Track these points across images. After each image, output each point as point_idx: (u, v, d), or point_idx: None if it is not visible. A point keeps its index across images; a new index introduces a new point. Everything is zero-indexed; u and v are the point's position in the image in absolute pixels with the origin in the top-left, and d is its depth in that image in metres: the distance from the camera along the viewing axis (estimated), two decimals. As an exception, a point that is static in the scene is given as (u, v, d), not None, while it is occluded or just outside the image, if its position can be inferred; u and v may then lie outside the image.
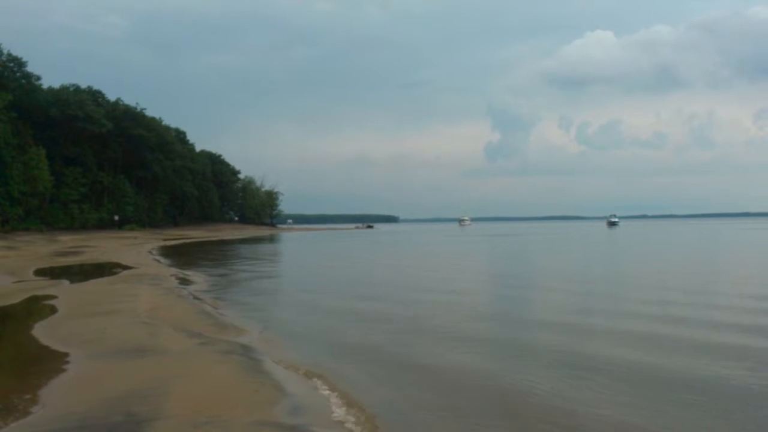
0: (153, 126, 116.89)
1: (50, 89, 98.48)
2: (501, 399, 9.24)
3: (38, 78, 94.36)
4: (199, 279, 28.98)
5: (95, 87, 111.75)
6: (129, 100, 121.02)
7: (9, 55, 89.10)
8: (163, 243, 75.36)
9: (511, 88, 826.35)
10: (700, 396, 9.16)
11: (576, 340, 13.26)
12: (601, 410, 8.54)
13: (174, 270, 34.03)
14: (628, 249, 58.36)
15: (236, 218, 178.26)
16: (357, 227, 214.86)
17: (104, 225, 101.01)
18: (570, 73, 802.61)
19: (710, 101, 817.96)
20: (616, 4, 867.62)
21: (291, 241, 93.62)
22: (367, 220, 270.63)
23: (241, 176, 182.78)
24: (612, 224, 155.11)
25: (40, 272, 32.05)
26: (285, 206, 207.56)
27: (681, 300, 19.51)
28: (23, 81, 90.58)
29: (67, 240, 71.33)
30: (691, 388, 9.52)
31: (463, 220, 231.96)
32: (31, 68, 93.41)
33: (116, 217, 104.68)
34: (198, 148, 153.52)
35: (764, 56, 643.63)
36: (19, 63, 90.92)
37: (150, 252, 54.32)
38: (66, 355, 11.86)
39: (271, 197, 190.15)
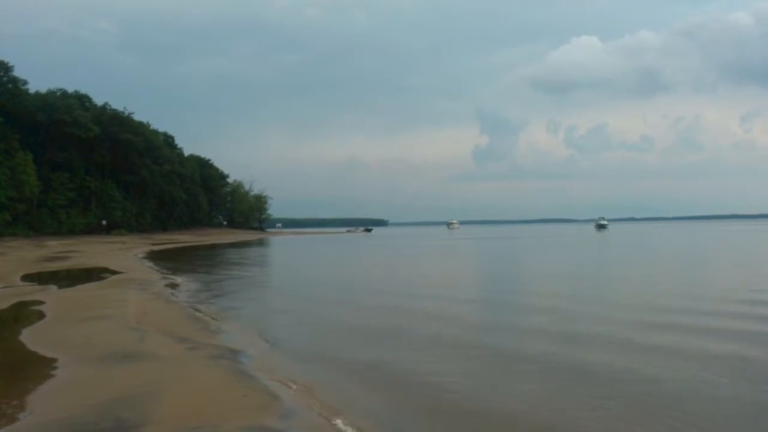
0: (141, 130, 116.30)
1: (37, 94, 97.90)
2: (492, 412, 9.26)
3: (25, 82, 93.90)
4: (187, 284, 28.88)
5: (83, 91, 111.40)
6: (117, 104, 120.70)
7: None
8: (151, 248, 75.01)
9: (498, 93, 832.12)
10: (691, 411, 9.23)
11: (565, 350, 13.20)
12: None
13: (162, 275, 33.91)
14: (616, 252, 58.72)
15: (225, 222, 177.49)
16: (349, 231, 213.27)
17: (92, 230, 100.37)
18: (557, 77, 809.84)
19: (696, 105, 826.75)
20: (600, 10, 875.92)
21: (280, 245, 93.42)
22: (357, 224, 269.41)
23: (230, 180, 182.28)
24: (601, 227, 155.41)
25: (28, 278, 31.86)
26: (274, 210, 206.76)
27: (670, 305, 19.61)
28: (10, 85, 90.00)
29: (54, 245, 70.81)
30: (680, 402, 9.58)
31: (451, 224, 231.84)
32: (18, 73, 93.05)
33: (104, 222, 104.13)
34: (186, 153, 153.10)
35: (746, 61, 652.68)
36: (6, 67, 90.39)
37: (138, 257, 54.10)
38: (54, 360, 11.81)
39: (260, 201, 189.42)
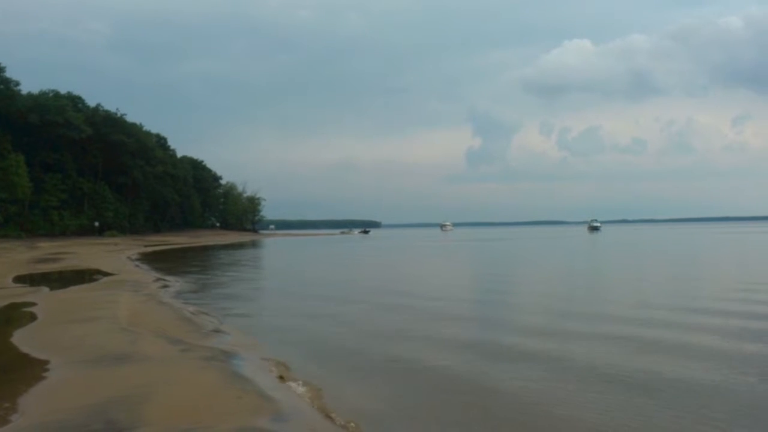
0: (133, 131, 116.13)
1: (29, 95, 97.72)
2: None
3: (17, 83, 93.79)
4: (180, 285, 28.80)
5: (75, 92, 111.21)
6: (109, 105, 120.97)
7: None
8: (144, 249, 74.81)
9: (491, 95, 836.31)
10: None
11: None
12: None
13: (155, 276, 33.80)
14: (610, 254, 58.87)
15: (218, 224, 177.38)
16: (343, 232, 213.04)
17: (84, 231, 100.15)
18: (550, 80, 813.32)
19: (688, 108, 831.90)
20: (592, 13, 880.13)
21: (274, 246, 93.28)
22: (350, 226, 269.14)
23: (223, 182, 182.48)
24: (593, 229, 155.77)
25: (20, 279, 31.69)
26: (267, 212, 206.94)
27: (663, 319, 19.50)
28: (2, 86, 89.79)
29: (46, 246, 70.56)
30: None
31: (444, 226, 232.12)
32: (10, 74, 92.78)
33: (96, 224, 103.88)
34: (179, 154, 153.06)
35: (737, 64, 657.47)
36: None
37: (131, 258, 53.91)
38: (46, 362, 11.73)
39: (253, 203, 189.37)
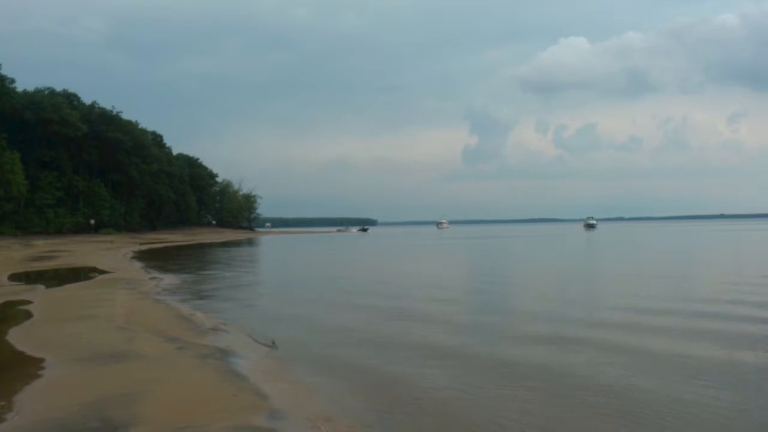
0: (129, 129, 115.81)
1: (25, 92, 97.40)
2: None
3: (12, 81, 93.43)
4: (176, 283, 28.76)
5: (71, 90, 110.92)
6: (105, 103, 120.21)
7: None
8: (140, 247, 74.68)
9: (488, 93, 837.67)
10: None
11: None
12: None
13: (151, 274, 33.76)
14: (606, 252, 59.00)
15: (214, 222, 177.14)
16: (339, 230, 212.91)
17: (80, 229, 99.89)
18: (546, 78, 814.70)
19: (684, 105, 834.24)
20: (588, 11, 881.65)
21: (271, 244, 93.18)
22: (346, 224, 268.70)
23: (219, 180, 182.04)
24: (589, 227, 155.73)
25: (15, 277, 31.64)
26: (263, 210, 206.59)
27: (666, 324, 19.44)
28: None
29: (42, 244, 70.37)
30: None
31: (441, 223, 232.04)
32: (5, 71, 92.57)
33: (92, 221, 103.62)
34: (175, 152, 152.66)
35: (733, 62, 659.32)
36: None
37: (127, 256, 53.83)
38: (41, 360, 11.73)
39: (249, 201, 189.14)
